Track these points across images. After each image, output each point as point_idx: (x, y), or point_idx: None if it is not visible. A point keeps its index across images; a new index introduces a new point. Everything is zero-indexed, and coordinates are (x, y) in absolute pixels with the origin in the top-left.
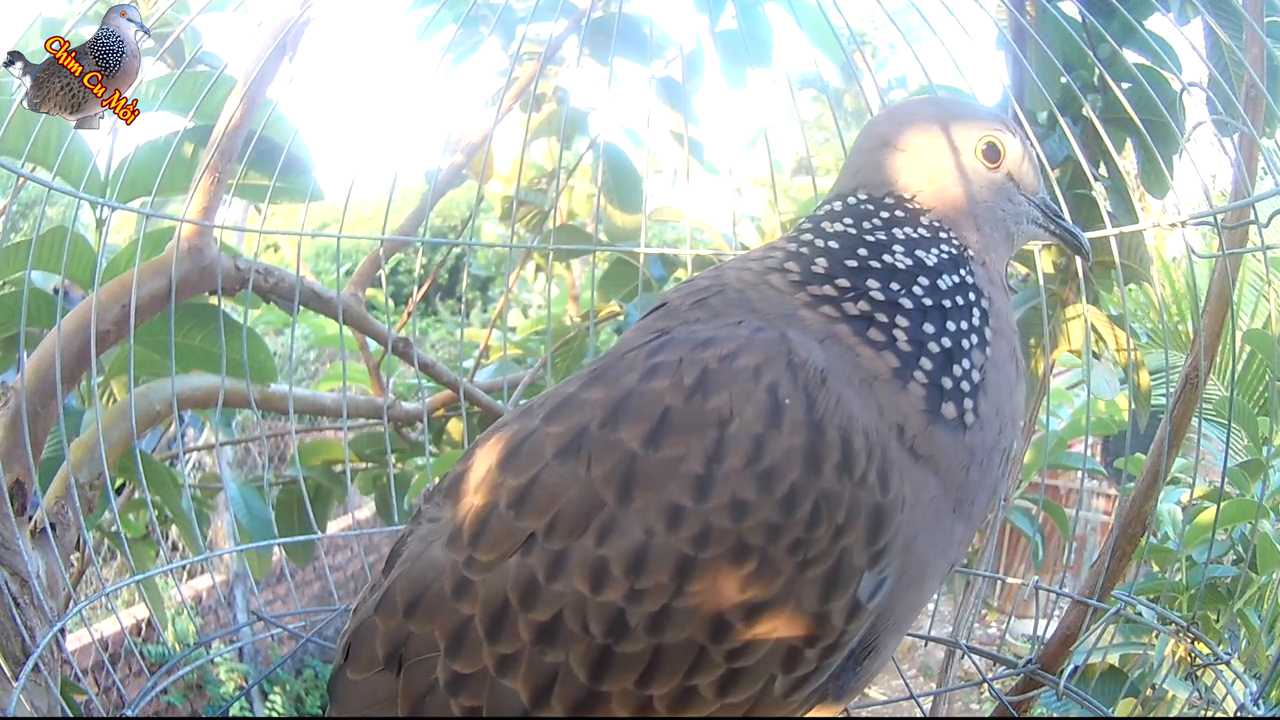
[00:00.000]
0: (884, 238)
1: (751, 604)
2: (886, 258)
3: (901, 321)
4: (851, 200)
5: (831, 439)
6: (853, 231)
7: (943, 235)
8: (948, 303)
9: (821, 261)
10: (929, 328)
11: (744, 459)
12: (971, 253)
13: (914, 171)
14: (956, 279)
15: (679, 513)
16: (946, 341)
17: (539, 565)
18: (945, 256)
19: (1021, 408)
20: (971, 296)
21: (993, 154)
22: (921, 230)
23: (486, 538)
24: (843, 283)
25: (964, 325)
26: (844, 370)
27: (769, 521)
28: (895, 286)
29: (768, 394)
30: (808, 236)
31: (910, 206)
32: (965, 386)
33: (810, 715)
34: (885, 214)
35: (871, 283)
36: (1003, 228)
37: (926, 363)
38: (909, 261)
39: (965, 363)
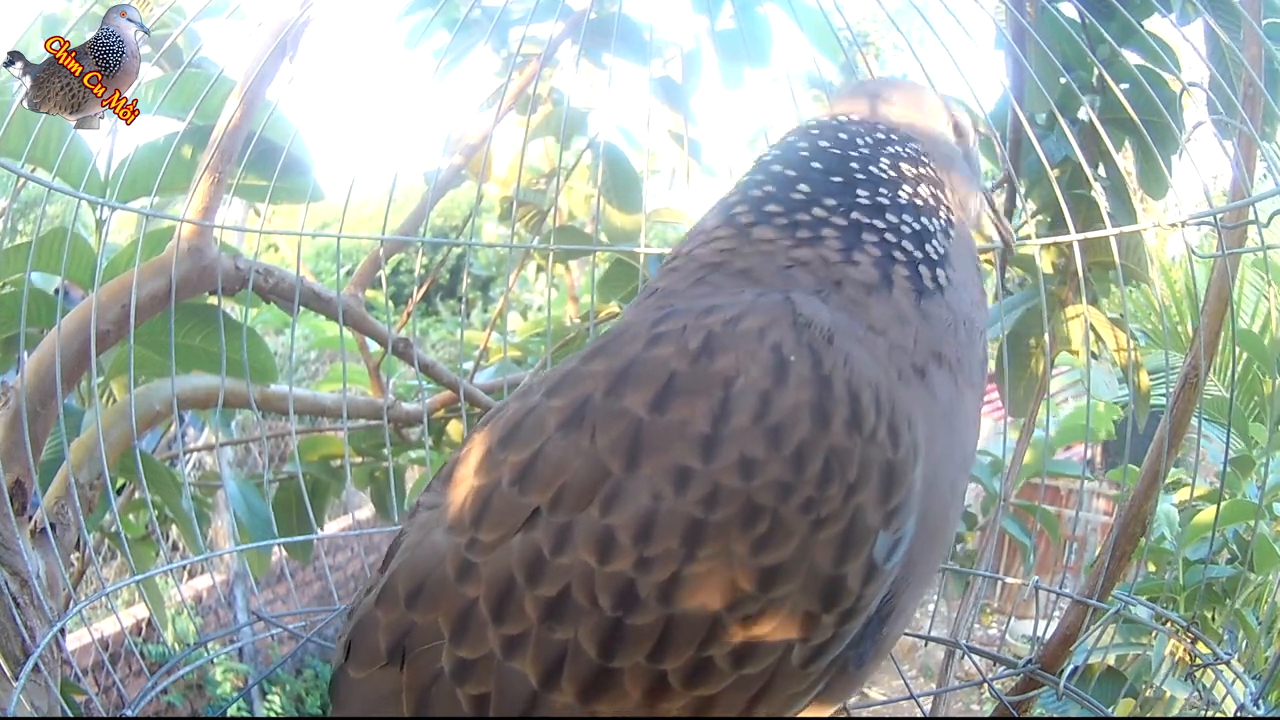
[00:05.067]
0: (868, 150)
1: (764, 568)
2: (872, 169)
3: (888, 219)
4: (839, 119)
5: (839, 394)
6: (833, 149)
7: (925, 159)
8: (920, 202)
9: (804, 188)
10: (907, 217)
11: (751, 416)
12: (947, 189)
13: (901, 117)
14: (937, 190)
15: (687, 475)
16: (918, 225)
17: (544, 539)
18: (926, 172)
19: (984, 304)
20: (943, 211)
21: (958, 131)
22: (910, 150)
23: (489, 517)
24: (830, 202)
25: (933, 221)
26: (852, 326)
27: (779, 480)
28: (883, 191)
29: (772, 352)
30: (778, 168)
31: (900, 134)
32: (934, 256)
33: (806, 715)
34: (876, 135)
35: (861, 193)
36: (967, 188)
37: (907, 244)
38: (891, 174)
39: (935, 242)
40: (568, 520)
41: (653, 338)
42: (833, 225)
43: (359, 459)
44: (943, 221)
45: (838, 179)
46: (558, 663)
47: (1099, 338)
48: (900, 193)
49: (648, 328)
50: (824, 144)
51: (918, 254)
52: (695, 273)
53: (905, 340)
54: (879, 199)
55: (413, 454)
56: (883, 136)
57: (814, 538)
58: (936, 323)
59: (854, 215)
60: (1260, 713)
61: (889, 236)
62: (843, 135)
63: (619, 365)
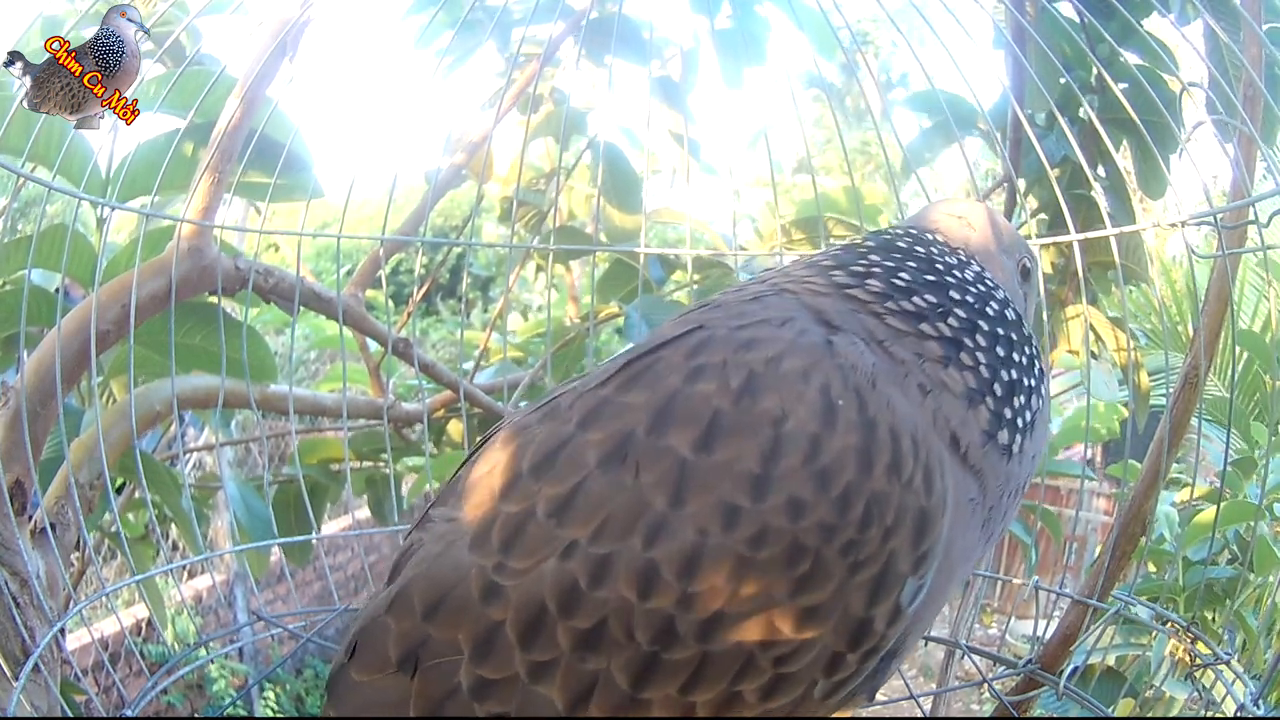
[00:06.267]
0: (955, 267)
1: (803, 608)
2: (959, 274)
3: (981, 342)
4: (928, 236)
5: (883, 439)
6: (925, 256)
7: (1002, 295)
8: (1014, 336)
9: (904, 277)
10: (1000, 351)
11: (802, 458)
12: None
13: (982, 249)
14: (1019, 329)
15: (735, 513)
16: (1014, 373)
17: (581, 570)
18: (1009, 309)
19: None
20: (1034, 351)
21: (1024, 274)
22: (988, 281)
23: (522, 545)
24: (931, 298)
25: (1023, 362)
26: (895, 374)
27: (824, 522)
28: (971, 301)
29: (820, 394)
30: (877, 256)
31: (978, 265)
32: (1019, 423)
33: (832, 718)
34: (958, 258)
35: (953, 294)
36: None
37: (997, 389)
38: (979, 289)
39: (1022, 399)
40: (607, 553)
41: (692, 371)
42: (934, 325)
43: (358, 463)
44: (1037, 374)
45: (931, 276)
46: (587, 691)
47: (1099, 338)
48: (990, 308)
49: (684, 356)
50: (918, 249)
51: (1006, 411)
52: (758, 290)
53: (956, 421)
54: (975, 320)
55: (410, 461)
56: (964, 259)
57: (851, 580)
58: (990, 474)
59: (952, 322)
60: (1260, 713)
61: (984, 371)
62: (933, 249)
63: (659, 399)
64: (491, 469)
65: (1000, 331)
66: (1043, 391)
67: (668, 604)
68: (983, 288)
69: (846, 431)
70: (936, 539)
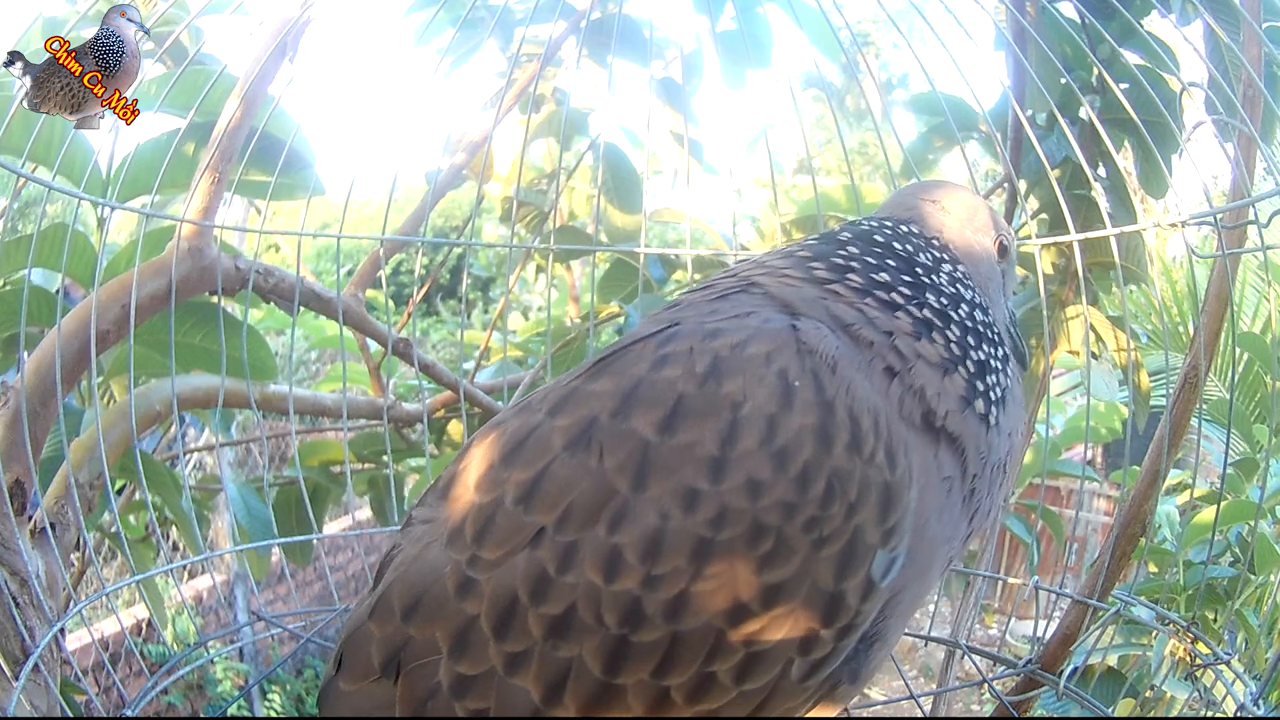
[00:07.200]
0: (931, 265)
1: (769, 585)
2: (934, 278)
3: (954, 331)
4: (904, 229)
5: (841, 419)
6: (904, 254)
7: (972, 284)
8: (981, 329)
9: (884, 276)
10: (971, 340)
11: (758, 439)
12: (992, 311)
13: (956, 232)
14: (987, 317)
15: (695, 495)
16: (983, 355)
17: (549, 558)
18: (977, 299)
19: (1019, 452)
20: (998, 337)
21: (1001, 251)
22: (961, 272)
23: (492, 535)
24: (906, 291)
25: (992, 351)
26: (858, 358)
27: (784, 500)
28: (944, 302)
29: (778, 378)
30: (855, 249)
31: (951, 254)
32: (993, 395)
33: (813, 715)
34: (934, 252)
35: (929, 295)
36: (998, 311)
37: (970, 364)
38: (952, 290)
39: (993, 378)
40: (574, 539)
41: (659, 359)
42: (907, 311)
43: (360, 465)
44: (1001, 358)
45: (908, 277)
46: (561, 679)
47: (1099, 338)
48: (960, 311)
49: (654, 347)
50: (895, 245)
51: (979, 384)
52: (726, 286)
53: (931, 391)
54: (948, 311)
55: (413, 462)
56: (938, 254)
57: (816, 555)
58: (970, 441)
59: (926, 313)
60: (1260, 713)
61: (955, 349)
62: (909, 245)
63: (626, 385)
64: (467, 465)
65: (969, 325)
66: (1009, 372)
67: (633, 586)
68: (956, 290)
69: (804, 412)
70: (904, 512)
